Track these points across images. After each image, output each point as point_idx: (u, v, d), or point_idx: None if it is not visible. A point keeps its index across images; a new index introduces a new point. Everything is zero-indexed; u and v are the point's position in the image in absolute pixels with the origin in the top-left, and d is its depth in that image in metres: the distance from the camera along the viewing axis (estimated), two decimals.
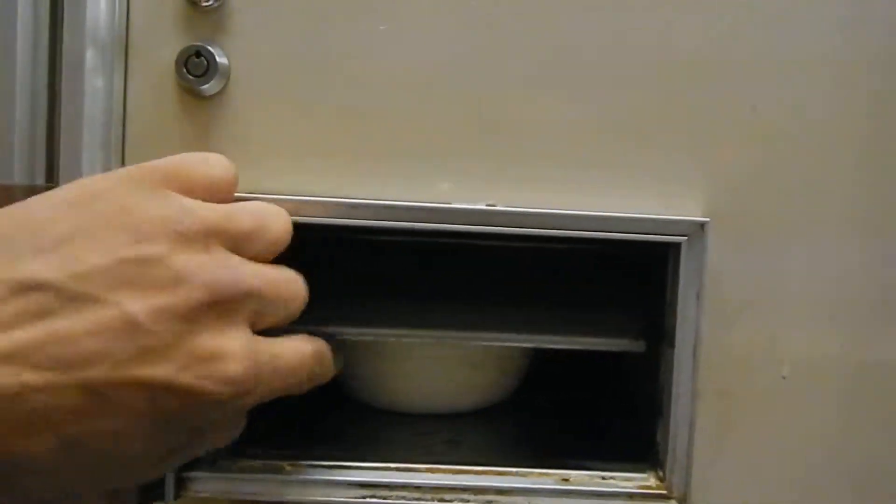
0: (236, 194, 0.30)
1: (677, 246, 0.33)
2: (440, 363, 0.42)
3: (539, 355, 0.45)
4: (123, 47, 0.32)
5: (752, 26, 0.33)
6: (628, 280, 0.41)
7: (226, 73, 0.33)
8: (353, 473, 0.32)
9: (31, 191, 0.27)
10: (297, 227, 0.30)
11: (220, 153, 0.32)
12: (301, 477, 0.32)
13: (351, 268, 0.39)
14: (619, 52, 0.33)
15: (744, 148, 0.34)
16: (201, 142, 0.33)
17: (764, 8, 0.33)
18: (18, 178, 0.29)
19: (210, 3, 0.32)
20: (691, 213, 0.33)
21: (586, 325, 0.37)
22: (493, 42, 0.33)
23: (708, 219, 0.33)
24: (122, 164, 0.31)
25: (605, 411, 0.46)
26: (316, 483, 0.32)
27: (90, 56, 0.32)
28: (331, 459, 0.33)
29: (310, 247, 0.31)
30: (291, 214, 0.31)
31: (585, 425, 0.44)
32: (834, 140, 0.34)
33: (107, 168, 0.30)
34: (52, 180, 0.29)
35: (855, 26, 0.33)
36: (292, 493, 0.32)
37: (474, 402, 0.43)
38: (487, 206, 0.33)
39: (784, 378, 0.34)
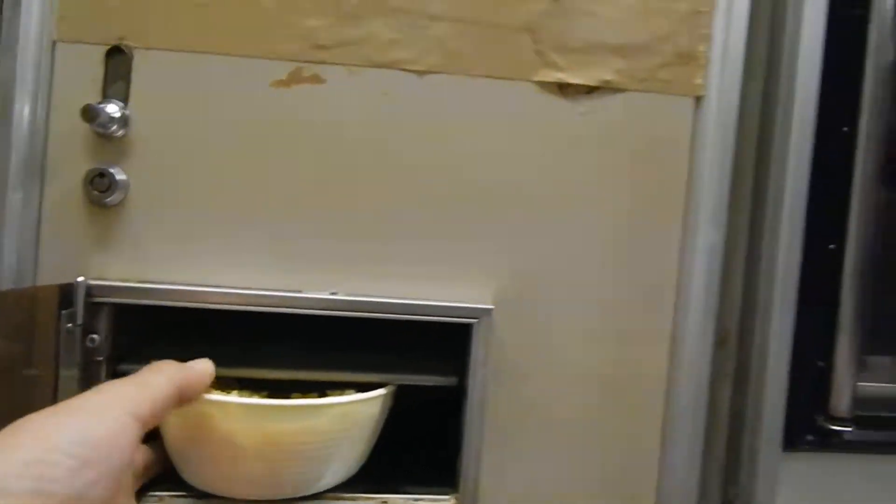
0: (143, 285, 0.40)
1: (470, 326, 0.44)
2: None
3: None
4: (41, 166, 0.41)
5: (528, 170, 0.46)
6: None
7: (126, 188, 0.42)
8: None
9: None
10: (190, 310, 0.40)
11: (120, 252, 0.42)
12: None
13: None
14: (440, 189, 0.45)
15: (523, 253, 0.46)
16: (105, 243, 0.42)
17: (533, 158, 0.46)
18: None
19: (117, 134, 0.41)
20: (483, 301, 0.45)
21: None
22: (340, 173, 0.44)
23: (493, 306, 0.45)
24: (35, 263, 0.40)
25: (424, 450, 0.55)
26: None
27: (13, 171, 0.40)
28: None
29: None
30: (178, 300, 0.41)
31: (423, 462, 0.52)
32: (586, 254, 0.46)
33: (25, 273, 0.39)
34: None
35: (603, 167, 0.46)
36: None
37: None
38: (331, 294, 0.44)
39: (553, 422, 0.47)
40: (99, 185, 0.41)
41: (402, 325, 0.46)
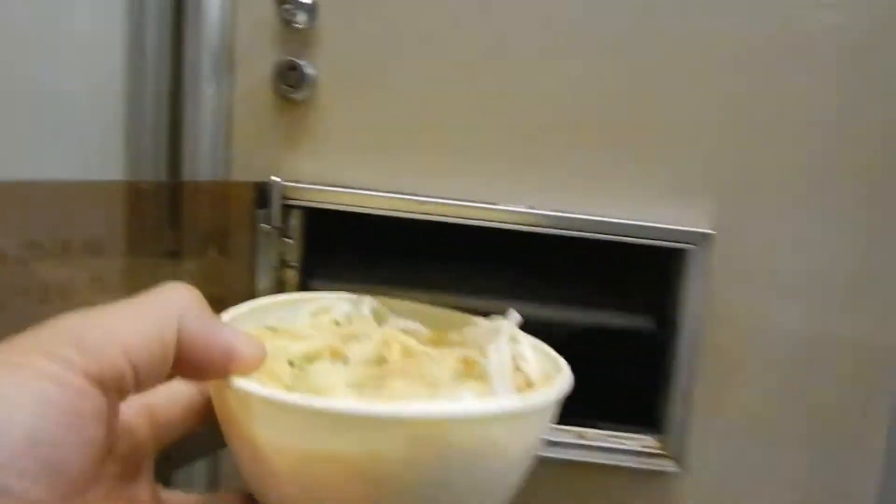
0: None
1: (684, 252, 0.39)
2: None
3: None
4: (230, 60, 0.38)
5: (769, 63, 0.38)
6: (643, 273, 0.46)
7: (313, 83, 0.39)
8: None
9: (158, 188, 0.33)
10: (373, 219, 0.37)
11: (308, 150, 0.39)
12: None
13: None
14: (645, 96, 0.39)
15: (747, 168, 0.39)
16: (292, 140, 0.39)
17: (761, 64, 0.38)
18: (147, 175, 0.35)
19: (302, 24, 0.38)
20: (700, 225, 0.39)
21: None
22: (534, 80, 0.39)
23: (714, 231, 0.39)
24: (229, 161, 0.38)
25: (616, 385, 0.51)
26: None
27: (206, 65, 0.38)
28: None
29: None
30: (373, 207, 0.38)
31: (600, 394, 0.49)
32: (824, 178, 0.39)
33: (218, 166, 0.37)
34: (175, 176, 0.36)
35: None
36: None
37: None
38: (528, 208, 0.39)
39: (768, 361, 0.41)
40: (289, 80, 0.38)
41: (579, 252, 0.41)
